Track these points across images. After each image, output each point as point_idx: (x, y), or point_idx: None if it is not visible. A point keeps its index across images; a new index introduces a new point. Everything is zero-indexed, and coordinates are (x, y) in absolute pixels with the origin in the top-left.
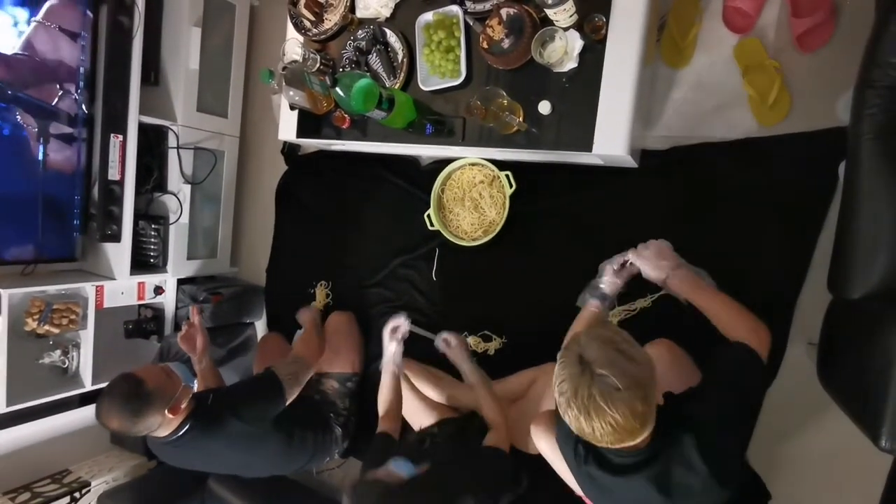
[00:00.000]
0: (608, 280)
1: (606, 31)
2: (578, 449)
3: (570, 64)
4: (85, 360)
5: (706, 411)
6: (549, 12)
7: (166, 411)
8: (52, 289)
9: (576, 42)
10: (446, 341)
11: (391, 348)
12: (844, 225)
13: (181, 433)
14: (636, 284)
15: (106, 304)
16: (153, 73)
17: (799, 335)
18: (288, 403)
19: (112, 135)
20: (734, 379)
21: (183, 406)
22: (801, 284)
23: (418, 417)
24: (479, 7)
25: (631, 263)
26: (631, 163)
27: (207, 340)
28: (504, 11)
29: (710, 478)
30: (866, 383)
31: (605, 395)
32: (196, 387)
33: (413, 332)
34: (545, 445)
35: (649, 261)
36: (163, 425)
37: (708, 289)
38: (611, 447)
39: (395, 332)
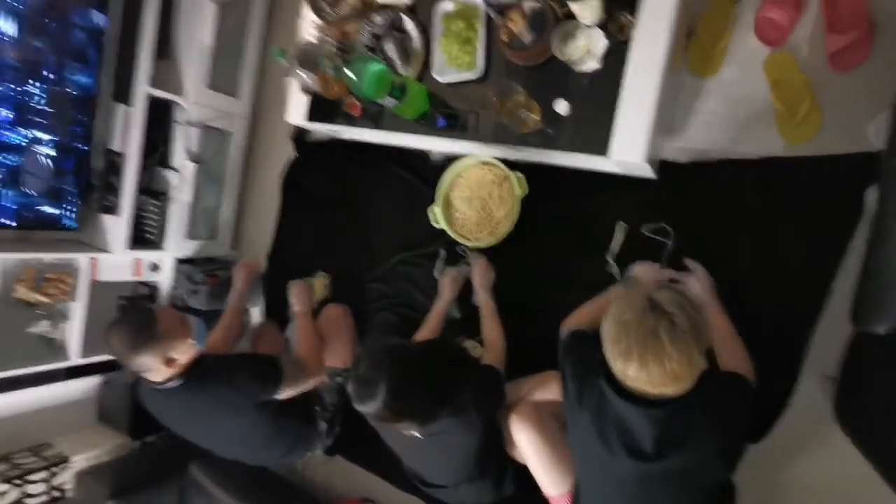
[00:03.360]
0: (642, 271)
1: (633, 31)
2: (597, 368)
3: (592, 63)
4: (74, 333)
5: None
6: (574, 7)
7: (167, 351)
8: (47, 257)
9: (599, 41)
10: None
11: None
12: (874, 255)
13: (173, 385)
14: None
15: (100, 277)
16: (166, 45)
17: (813, 366)
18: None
19: (119, 104)
20: (736, 395)
21: (181, 361)
22: (819, 314)
23: None
24: None
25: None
26: (649, 173)
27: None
28: (527, 4)
29: (713, 449)
30: (889, 425)
31: (670, 332)
32: (214, 331)
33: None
34: (525, 439)
35: (704, 287)
36: (156, 371)
37: (728, 323)
38: (635, 389)
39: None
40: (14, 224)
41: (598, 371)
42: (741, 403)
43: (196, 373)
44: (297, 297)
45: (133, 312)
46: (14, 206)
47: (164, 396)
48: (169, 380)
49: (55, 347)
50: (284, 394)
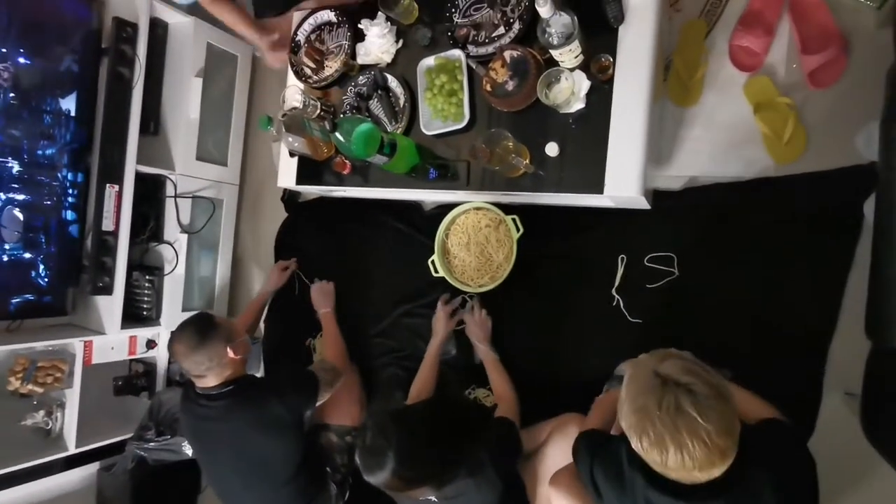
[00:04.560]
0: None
1: (613, 70)
2: (627, 470)
3: (578, 104)
4: (70, 421)
5: (778, 457)
6: (555, 53)
7: (228, 348)
8: (39, 345)
9: (582, 82)
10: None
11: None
12: (881, 267)
13: (225, 389)
14: None
15: (94, 361)
16: (153, 123)
17: (834, 386)
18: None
19: (108, 185)
20: (796, 442)
21: (240, 355)
22: (833, 331)
23: None
24: (482, 51)
25: None
26: (643, 204)
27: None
28: (507, 54)
29: None
30: None
31: (695, 403)
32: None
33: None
34: None
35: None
36: (214, 370)
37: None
38: (683, 480)
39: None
40: (3, 314)
41: (632, 477)
42: (801, 455)
43: (248, 382)
44: (321, 299)
45: (190, 318)
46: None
47: (207, 406)
48: (223, 384)
49: (51, 438)
50: (322, 399)
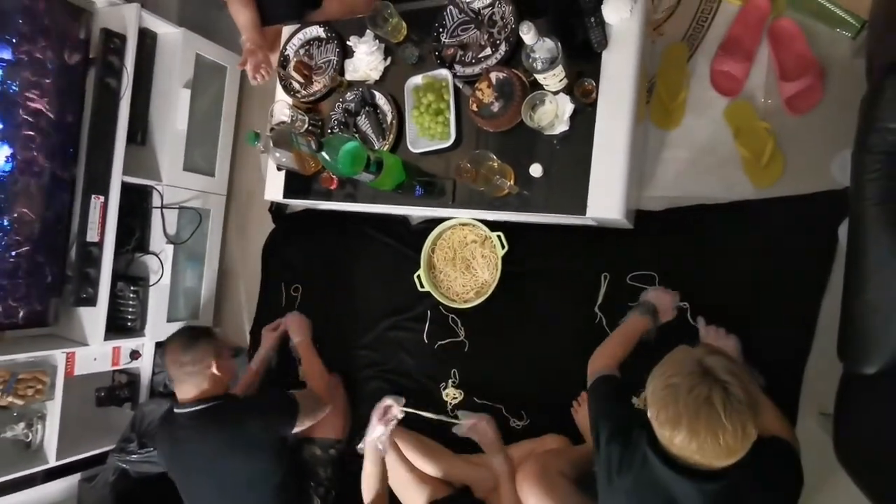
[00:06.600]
0: (657, 297)
1: (597, 94)
2: (637, 430)
3: (561, 127)
4: (50, 433)
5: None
6: (539, 77)
7: (214, 361)
8: (20, 357)
9: (566, 105)
10: (474, 427)
11: (377, 430)
12: (852, 295)
13: (203, 406)
14: None
15: (77, 372)
16: (140, 133)
17: (809, 405)
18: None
19: (93, 196)
20: (790, 471)
21: (223, 374)
22: (808, 352)
23: (409, 493)
24: (469, 71)
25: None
26: (626, 225)
27: (273, 346)
28: (493, 75)
29: None
30: (890, 465)
31: (724, 401)
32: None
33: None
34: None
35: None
36: (196, 378)
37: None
38: (683, 458)
39: (385, 414)
40: None
41: (639, 433)
42: (794, 478)
43: (226, 402)
44: (295, 328)
45: (191, 325)
46: None
47: (181, 425)
48: (198, 400)
49: (31, 451)
50: (301, 426)
